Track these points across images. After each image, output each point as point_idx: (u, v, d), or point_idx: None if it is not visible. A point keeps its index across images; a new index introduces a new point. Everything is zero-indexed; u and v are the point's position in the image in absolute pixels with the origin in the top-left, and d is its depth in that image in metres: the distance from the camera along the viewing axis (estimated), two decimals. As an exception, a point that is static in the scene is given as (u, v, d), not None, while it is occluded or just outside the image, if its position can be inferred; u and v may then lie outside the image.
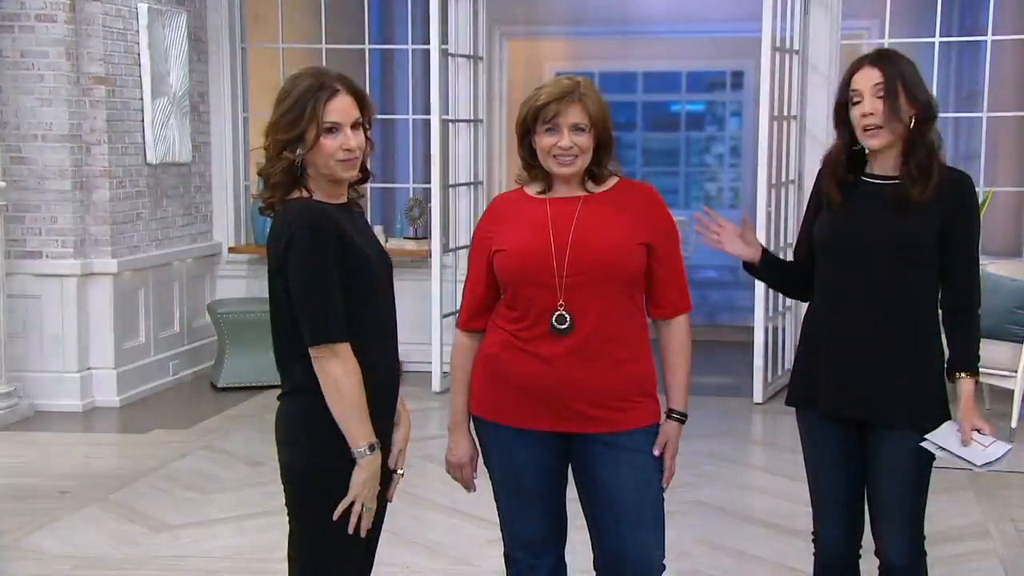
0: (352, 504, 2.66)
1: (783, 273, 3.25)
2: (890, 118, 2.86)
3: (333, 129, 2.65)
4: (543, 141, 2.84)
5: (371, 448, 2.64)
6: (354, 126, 2.68)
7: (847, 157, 2.98)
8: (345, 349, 2.61)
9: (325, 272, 2.60)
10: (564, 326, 2.82)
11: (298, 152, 2.64)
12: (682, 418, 2.96)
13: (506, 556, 3.06)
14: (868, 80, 2.88)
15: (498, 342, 2.92)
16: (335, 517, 2.64)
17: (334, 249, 2.62)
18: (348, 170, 2.70)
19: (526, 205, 2.92)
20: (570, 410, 2.86)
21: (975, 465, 2.90)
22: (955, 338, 2.98)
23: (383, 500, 2.91)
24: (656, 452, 2.91)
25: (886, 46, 4.65)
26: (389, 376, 2.79)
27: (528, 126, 2.86)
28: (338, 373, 2.60)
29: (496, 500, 3.02)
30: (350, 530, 2.66)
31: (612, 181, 2.93)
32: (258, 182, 2.78)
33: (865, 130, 2.89)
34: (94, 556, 4.49)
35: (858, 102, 2.90)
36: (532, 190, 2.95)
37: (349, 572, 2.79)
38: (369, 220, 4.08)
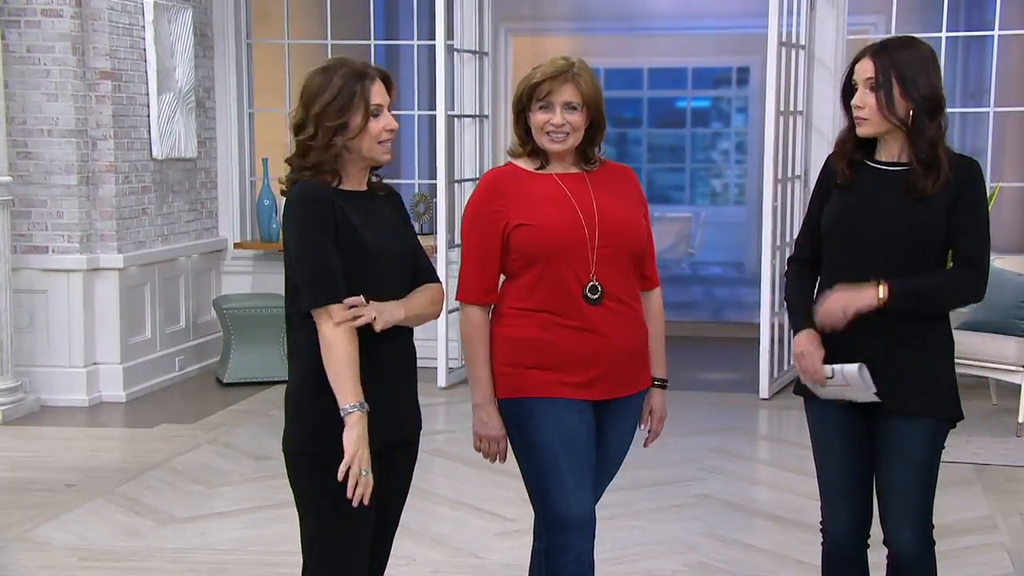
0: (350, 470, 2.63)
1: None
2: (879, 111, 2.90)
3: (376, 112, 2.73)
4: (537, 118, 2.93)
5: (356, 406, 2.63)
6: (388, 108, 2.78)
7: (855, 140, 3.00)
8: (338, 309, 2.64)
9: (317, 238, 2.66)
10: (596, 296, 2.91)
11: (346, 137, 2.70)
12: (666, 385, 3.15)
13: (547, 549, 2.95)
14: (863, 72, 2.93)
15: (536, 324, 2.93)
16: (339, 478, 2.61)
17: (326, 220, 2.67)
18: (388, 152, 2.79)
19: (533, 180, 2.98)
20: (617, 376, 2.96)
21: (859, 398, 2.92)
22: (934, 275, 2.92)
23: (399, 494, 2.91)
24: (648, 421, 3.10)
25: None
26: (384, 362, 2.75)
27: (524, 103, 2.95)
28: (329, 332, 2.64)
29: (539, 482, 2.95)
30: (349, 494, 2.62)
31: (599, 162, 3.05)
32: (285, 174, 2.81)
33: (855, 119, 2.96)
34: (101, 548, 4.50)
35: (855, 91, 2.96)
36: (529, 165, 3.01)
37: (354, 553, 2.75)
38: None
